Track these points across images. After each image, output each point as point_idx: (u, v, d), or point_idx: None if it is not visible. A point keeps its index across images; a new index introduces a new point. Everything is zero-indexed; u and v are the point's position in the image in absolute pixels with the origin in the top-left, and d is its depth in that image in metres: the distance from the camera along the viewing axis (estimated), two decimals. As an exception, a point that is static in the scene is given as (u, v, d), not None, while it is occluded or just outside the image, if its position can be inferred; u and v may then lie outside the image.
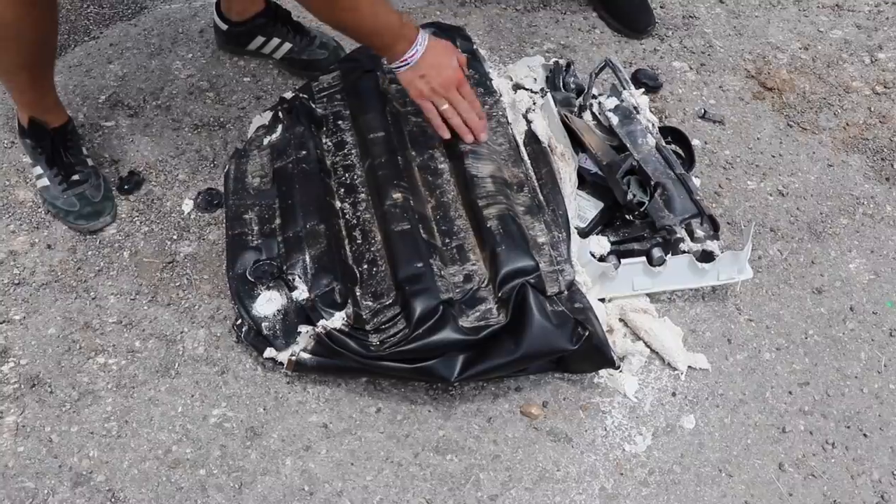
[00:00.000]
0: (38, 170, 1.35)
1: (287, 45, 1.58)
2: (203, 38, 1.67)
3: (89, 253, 1.31)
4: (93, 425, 1.12)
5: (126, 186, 1.39)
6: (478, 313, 1.11)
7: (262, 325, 1.15)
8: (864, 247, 1.41)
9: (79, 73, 1.58)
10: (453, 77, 1.22)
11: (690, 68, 1.69)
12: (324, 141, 1.34)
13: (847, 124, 1.61)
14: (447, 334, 1.08)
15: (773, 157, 1.54)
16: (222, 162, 1.42)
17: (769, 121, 1.61)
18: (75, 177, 1.33)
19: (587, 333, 1.10)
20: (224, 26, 1.58)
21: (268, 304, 1.17)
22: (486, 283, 1.15)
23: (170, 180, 1.42)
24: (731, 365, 1.24)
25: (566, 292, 1.15)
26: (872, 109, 1.64)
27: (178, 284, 1.28)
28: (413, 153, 1.30)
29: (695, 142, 1.52)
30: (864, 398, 1.22)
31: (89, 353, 1.19)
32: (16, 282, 1.26)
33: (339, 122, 1.36)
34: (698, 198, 1.30)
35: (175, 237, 1.34)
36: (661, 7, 1.82)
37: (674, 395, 1.20)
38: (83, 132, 1.45)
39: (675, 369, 1.22)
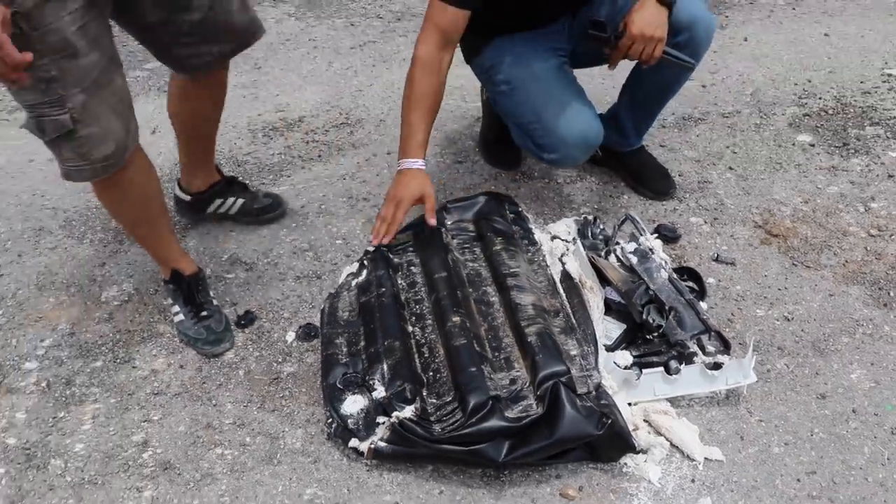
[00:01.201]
0: (176, 308, 1.73)
1: (240, 201, 2.02)
2: (303, 212, 2.09)
3: (212, 371, 1.64)
4: (211, 500, 1.40)
5: (242, 322, 1.75)
6: (520, 407, 1.38)
7: (348, 420, 1.44)
8: (864, 360, 1.62)
9: (208, 239, 2.01)
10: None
11: (705, 222, 2.01)
12: (399, 282, 1.68)
13: (846, 262, 1.87)
14: (495, 422, 1.34)
15: (780, 290, 1.80)
16: (318, 303, 1.77)
17: (775, 261, 1.88)
18: (203, 313, 1.70)
19: (610, 421, 1.34)
20: (187, 198, 1.99)
21: (353, 404, 1.46)
22: (527, 385, 1.42)
23: (277, 318, 1.77)
24: (744, 457, 1.44)
25: (594, 392, 1.41)
26: (868, 249, 1.90)
27: (281, 395, 1.59)
28: (470, 290, 1.63)
29: (709, 280, 1.81)
30: (870, 486, 1.39)
31: (210, 446, 1.49)
32: (155, 392, 1.60)
33: (412, 267, 1.72)
34: (705, 317, 1.56)
35: (280, 360, 1.67)
36: (679, 175, 2.17)
37: (692, 481, 1.40)
38: (210, 281, 1.84)
39: (693, 460, 1.42)
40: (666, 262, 1.69)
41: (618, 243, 1.75)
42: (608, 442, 1.35)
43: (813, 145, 2.30)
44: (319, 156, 2.36)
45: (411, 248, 1.76)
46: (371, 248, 1.77)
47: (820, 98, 2.52)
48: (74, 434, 1.54)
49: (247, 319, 1.77)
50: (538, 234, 1.79)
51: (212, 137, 1.97)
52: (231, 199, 2.04)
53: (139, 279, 1.90)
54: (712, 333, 1.54)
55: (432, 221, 1.72)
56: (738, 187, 2.13)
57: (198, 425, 1.54)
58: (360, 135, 2.45)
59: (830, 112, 2.45)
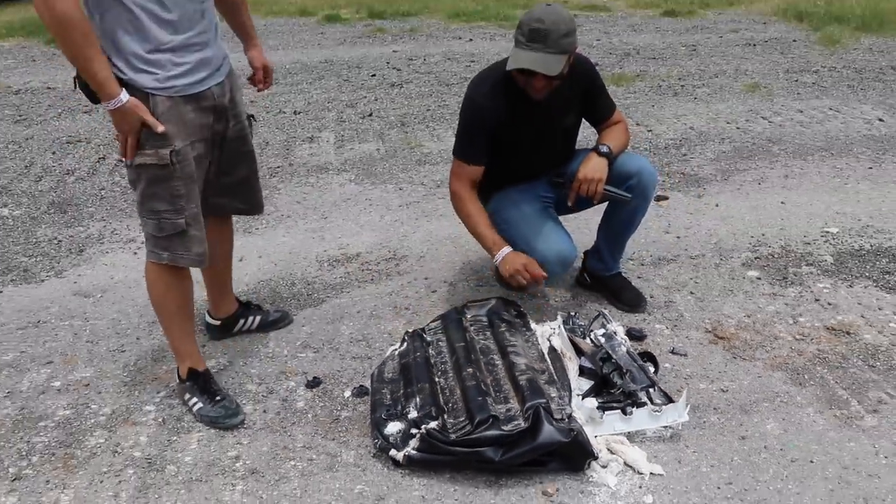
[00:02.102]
0: (194, 399, 2.19)
1: (258, 318, 2.62)
2: (359, 316, 2.73)
3: (288, 415, 2.22)
4: (285, 493, 1.93)
5: (311, 384, 2.35)
6: (512, 424, 1.92)
7: (389, 438, 2.00)
8: (778, 417, 2.14)
9: (283, 331, 2.64)
10: (123, 132, 1.91)
11: (667, 328, 2.60)
12: (430, 351, 2.29)
13: (775, 356, 2.42)
14: (493, 432, 1.89)
15: (720, 372, 2.35)
16: (369, 373, 2.37)
17: (719, 354, 2.44)
18: (217, 397, 2.21)
19: (575, 433, 1.89)
20: (217, 322, 2.57)
21: (392, 427, 2.02)
22: (518, 412, 1.97)
23: (337, 382, 2.36)
24: (679, 473, 1.94)
25: (566, 419, 1.96)
26: (793, 348, 2.46)
27: (339, 430, 2.15)
28: (480, 355, 2.22)
29: (665, 365, 2.37)
30: (770, 493, 1.87)
31: (285, 460, 2.04)
32: (245, 427, 2.17)
33: (439, 342, 2.32)
34: (651, 376, 2.13)
35: (339, 408, 2.24)
36: (650, 297, 2.79)
37: (640, 487, 1.90)
38: (286, 358, 2.45)
39: (641, 473, 1.93)
40: (625, 341, 2.28)
41: (591, 330, 2.35)
42: (574, 449, 1.89)
43: (759, 278, 2.91)
44: (371, 279, 3.04)
45: (440, 331, 2.38)
46: (410, 330, 2.39)
47: (769, 247, 3.17)
48: (184, 451, 2.11)
49: (314, 382, 2.36)
50: (533, 325, 2.40)
51: (229, 272, 2.57)
52: (251, 318, 2.64)
53: (230, 356, 2.52)
54: (657, 388, 2.10)
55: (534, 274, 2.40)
56: (696, 305, 2.74)
57: (276, 447, 2.10)
58: (404, 266, 3.13)
59: (776, 256, 3.08)
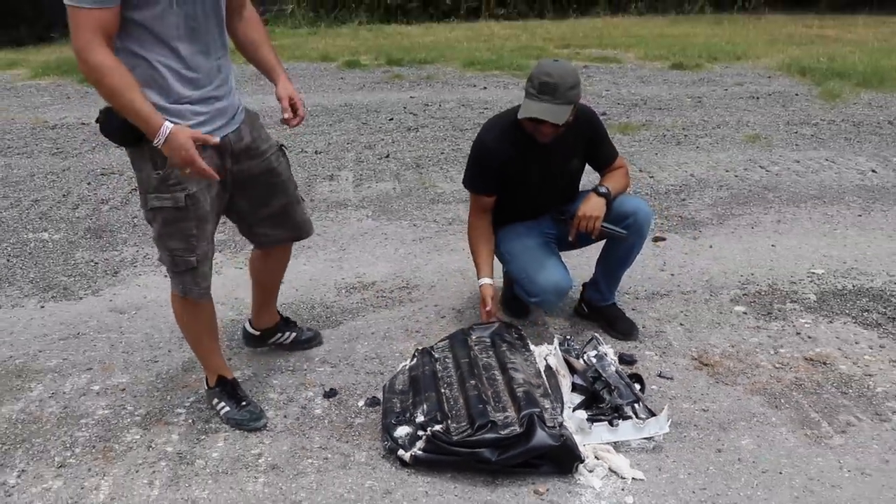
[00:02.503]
0: (222, 404, 2.41)
1: (293, 335, 2.84)
2: (373, 337, 2.96)
3: (307, 420, 2.44)
4: (303, 485, 2.15)
5: (328, 394, 2.57)
6: (508, 430, 2.14)
7: (398, 440, 2.21)
8: (753, 434, 2.34)
9: (300, 351, 2.88)
10: (181, 161, 2.00)
11: (656, 355, 2.81)
12: (437, 366, 2.51)
13: (755, 382, 2.63)
14: (490, 435, 2.11)
15: (702, 395, 2.56)
16: (381, 385, 2.59)
17: (703, 379, 2.65)
18: (243, 402, 2.43)
19: (565, 438, 2.10)
20: (257, 333, 2.80)
21: (401, 431, 2.24)
22: (514, 420, 2.19)
23: (352, 393, 2.59)
24: (659, 478, 2.15)
25: (557, 427, 2.17)
26: (772, 376, 2.67)
27: (353, 434, 2.37)
28: (483, 370, 2.45)
29: (652, 386, 2.58)
30: (741, 497, 2.07)
31: (303, 458, 2.26)
32: (268, 430, 2.40)
33: (446, 359, 2.55)
34: (637, 393, 2.34)
35: (353, 416, 2.46)
36: (643, 327, 3.00)
37: (622, 489, 2.10)
38: (305, 372, 2.68)
39: (623, 478, 2.14)
40: (615, 361, 2.50)
41: (584, 351, 2.57)
42: (564, 452, 2.10)
43: (746, 313, 3.13)
44: (385, 305, 3.27)
45: (447, 349, 2.61)
46: (420, 348, 2.62)
47: (758, 285, 3.39)
48: (212, 448, 2.33)
49: (331, 393, 2.59)
50: (532, 346, 2.62)
51: (275, 291, 2.79)
52: (287, 334, 2.87)
53: (255, 369, 2.76)
54: (642, 403, 2.31)
55: (487, 312, 2.72)
56: (685, 336, 2.95)
57: (295, 447, 2.32)
58: (416, 294, 3.37)
59: (763, 293, 3.30)
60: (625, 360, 2.73)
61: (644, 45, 10.89)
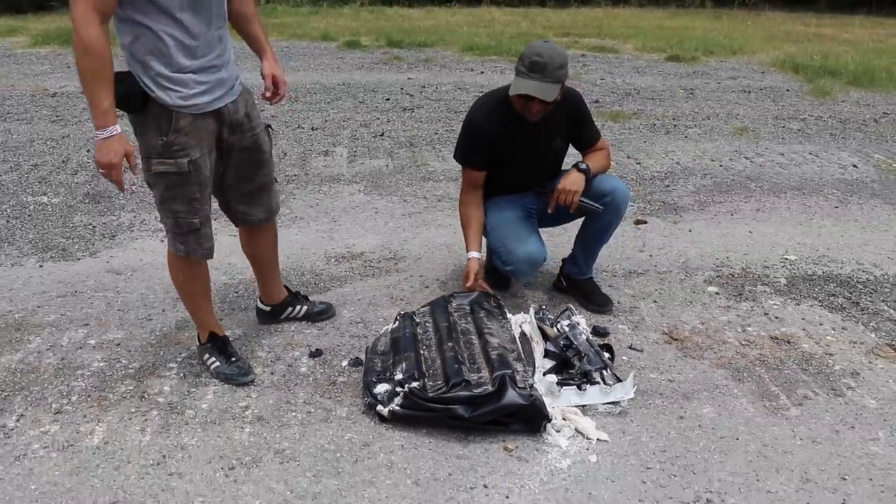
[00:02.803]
0: (213, 359, 2.54)
1: (304, 308, 2.93)
2: (360, 303, 3.09)
3: (292, 377, 2.56)
4: (286, 436, 2.28)
5: (314, 354, 2.69)
6: (481, 388, 2.27)
7: (377, 396, 2.34)
8: (715, 404, 2.47)
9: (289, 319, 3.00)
10: (107, 161, 2.09)
11: (628, 329, 2.94)
12: (417, 330, 2.64)
13: (721, 357, 2.76)
14: (463, 392, 2.24)
15: (669, 366, 2.69)
16: (364, 347, 2.72)
17: (671, 352, 2.79)
18: (233, 358, 2.55)
19: (534, 398, 2.23)
20: (267, 308, 2.89)
21: (381, 388, 2.37)
22: (487, 380, 2.32)
23: (336, 354, 2.71)
24: (622, 440, 2.28)
25: (528, 388, 2.30)
26: (738, 352, 2.80)
27: (336, 391, 2.49)
28: (461, 335, 2.57)
29: (623, 357, 2.71)
30: (697, 459, 2.20)
31: (287, 411, 2.38)
32: (255, 384, 2.52)
33: (427, 323, 2.67)
34: (605, 360, 2.47)
35: (336, 375, 2.59)
36: (617, 302, 3.14)
37: (587, 448, 2.24)
38: (293, 332, 2.81)
39: (588, 438, 2.27)
40: (586, 330, 2.63)
41: (558, 321, 2.70)
42: (532, 411, 2.22)
43: (718, 293, 3.26)
44: (372, 274, 3.40)
45: (428, 314, 2.73)
46: (402, 312, 2.75)
47: (731, 268, 3.52)
48: (201, 399, 2.45)
49: (316, 353, 2.71)
50: (509, 314, 2.75)
51: (273, 267, 2.84)
52: (298, 307, 2.97)
53: (244, 329, 2.88)
54: (610, 370, 2.44)
55: (468, 287, 2.84)
56: (657, 312, 3.08)
57: (280, 401, 2.44)
58: (403, 265, 3.50)
59: (736, 276, 3.43)
60: (598, 332, 2.86)
61: (642, 36, 10.99)
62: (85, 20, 2.00)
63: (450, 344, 2.48)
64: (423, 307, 2.80)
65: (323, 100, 6.90)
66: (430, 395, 2.27)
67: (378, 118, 6.31)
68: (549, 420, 2.25)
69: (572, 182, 2.79)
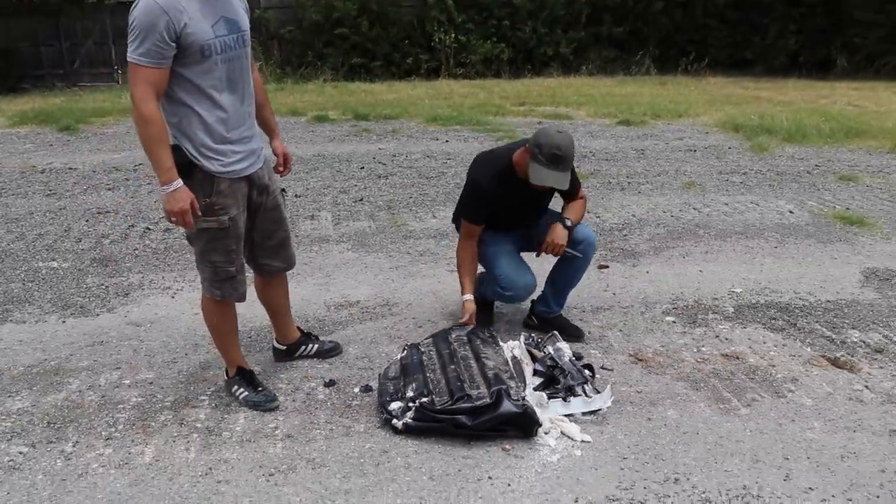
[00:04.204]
0: (241, 390, 2.90)
1: (316, 346, 3.32)
2: (362, 343, 3.47)
3: (312, 403, 2.93)
4: (314, 449, 2.64)
5: (328, 384, 3.07)
6: (481, 401, 2.67)
7: (392, 412, 2.72)
8: (677, 408, 2.89)
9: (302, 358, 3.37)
10: (179, 209, 2.47)
11: (600, 353, 3.37)
12: (423, 357, 3.03)
13: (680, 372, 3.20)
14: (466, 405, 2.63)
15: (637, 381, 3.12)
16: (371, 378, 3.10)
17: (637, 370, 3.22)
18: (259, 388, 2.92)
19: (526, 408, 2.63)
20: (283, 347, 3.28)
21: (394, 405, 2.75)
22: (486, 395, 2.72)
23: (347, 384, 3.08)
24: (601, 438, 2.68)
25: (521, 399, 2.70)
26: (695, 368, 3.24)
27: (352, 413, 2.86)
28: (461, 359, 2.96)
29: (597, 376, 3.14)
30: (666, 450, 2.62)
31: (312, 429, 2.74)
32: (280, 411, 2.88)
33: (430, 351, 3.06)
34: (586, 376, 2.89)
35: (350, 400, 2.96)
36: (588, 332, 3.57)
37: (572, 446, 2.64)
38: (305, 368, 3.18)
39: (573, 439, 2.67)
40: (569, 352, 3.05)
41: (545, 345, 3.11)
42: (525, 419, 2.62)
43: (674, 322, 3.72)
44: (370, 318, 3.79)
45: (432, 344, 3.11)
46: (409, 343, 3.13)
47: (685, 301, 4.00)
48: (235, 423, 2.80)
49: (330, 383, 3.09)
50: (501, 342, 3.16)
51: (287, 311, 3.24)
52: (310, 346, 3.38)
53: (263, 366, 3.24)
54: (590, 384, 2.86)
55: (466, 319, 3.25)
56: (623, 339, 3.53)
57: (305, 422, 2.80)
58: (396, 310, 3.90)
59: (690, 307, 3.90)
60: (576, 356, 3.28)
61: (594, 103, 11.74)
62: (145, 96, 2.44)
63: (452, 367, 2.88)
64: (426, 339, 3.20)
65: (302, 169, 7.35)
66: (438, 407, 2.65)
67: (356, 185, 6.76)
68: (540, 424, 2.65)
69: (559, 237, 3.27)
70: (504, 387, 2.71)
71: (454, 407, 2.64)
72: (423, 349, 3.10)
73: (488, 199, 3.29)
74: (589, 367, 3.05)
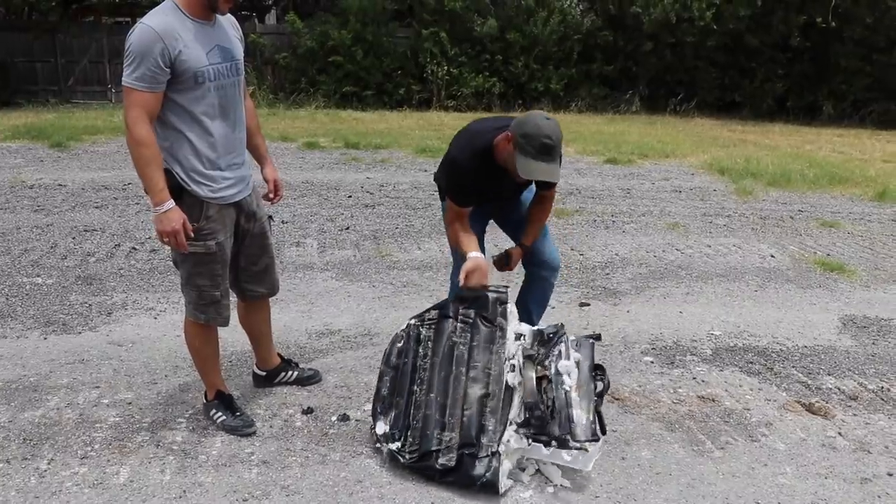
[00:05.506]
0: (219, 414, 2.92)
1: (295, 374, 3.33)
2: (342, 371, 3.49)
3: (290, 430, 2.94)
4: (296, 472, 2.64)
5: (306, 412, 3.08)
6: (445, 458, 2.61)
7: (378, 437, 2.73)
8: (651, 448, 2.92)
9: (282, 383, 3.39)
10: (171, 229, 2.51)
11: (579, 389, 3.41)
12: (419, 351, 2.94)
13: (657, 412, 3.24)
14: (430, 464, 2.65)
15: (612, 420, 3.14)
16: (350, 407, 3.11)
17: (614, 409, 3.24)
18: (237, 413, 2.94)
19: (486, 473, 2.60)
20: (263, 373, 3.28)
21: (379, 427, 2.77)
22: (455, 444, 2.66)
23: (325, 411, 3.10)
24: (577, 481, 2.71)
25: (489, 456, 2.66)
26: (671, 409, 3.28)
27: (329, 441, 2.87)
28: (451, 368, 2.87)
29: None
30: (639, 490, 2.64)
31: (291, 455, 2.76)
32: (258, 437, 2.89)
33: (428, 343, 2.96)
34: (571, 428, 2.91)
35: (327, 428, 2.97)
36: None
37: (545, 482, 2.66)
38: (286, 395, 3.19)
39: (553, 483, 2.69)
40: (574, 371, 2.98)
41: (550, 360, 2.99)
42: (487, 484, 2.59)
43: (652, 362, 3.77)
44: (351, 347, 3.81)
45: (433, 326, 2.97)
46: (412, 321, 3.03)
47: (664, 341, 4.04)
48: (211, 447, 2.80)
49: (308, 410, 3.10)
50: (509, 330, 2.96)
51: (268, 337, 3.26)
52: (290, 372, 3.39)
53: (242, 391, 3.25)
54: (572, 440, 2.81)
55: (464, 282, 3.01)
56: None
57: (281, 448, 2.81)
58: (377, 340, 3.92)
59: (668, 348, 3.95)
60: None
61: (582, 140, 11.90)
62: (138, 120, 2.49)
63: (442, 374, 2.81)
64: (430, 316, 3.01)
65: (289, 196, 7.39)
66: (405, 459, 2.66)
67: (342, 213, 6.81)
68: (498, 494, 2.60)
69: (515, 262, 3.35)
70: (469, 451, 2.64)
71: (419, 465, 2.65)
72: (423, 335, 2.95)
73: (471, 185, 3.10)
74: (599, 394, 2.84)
